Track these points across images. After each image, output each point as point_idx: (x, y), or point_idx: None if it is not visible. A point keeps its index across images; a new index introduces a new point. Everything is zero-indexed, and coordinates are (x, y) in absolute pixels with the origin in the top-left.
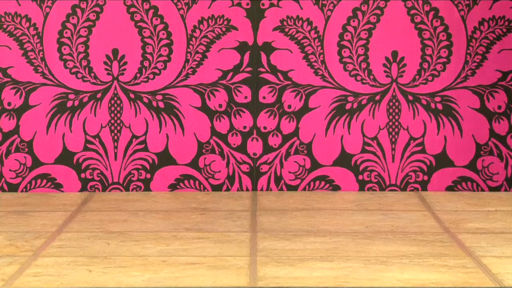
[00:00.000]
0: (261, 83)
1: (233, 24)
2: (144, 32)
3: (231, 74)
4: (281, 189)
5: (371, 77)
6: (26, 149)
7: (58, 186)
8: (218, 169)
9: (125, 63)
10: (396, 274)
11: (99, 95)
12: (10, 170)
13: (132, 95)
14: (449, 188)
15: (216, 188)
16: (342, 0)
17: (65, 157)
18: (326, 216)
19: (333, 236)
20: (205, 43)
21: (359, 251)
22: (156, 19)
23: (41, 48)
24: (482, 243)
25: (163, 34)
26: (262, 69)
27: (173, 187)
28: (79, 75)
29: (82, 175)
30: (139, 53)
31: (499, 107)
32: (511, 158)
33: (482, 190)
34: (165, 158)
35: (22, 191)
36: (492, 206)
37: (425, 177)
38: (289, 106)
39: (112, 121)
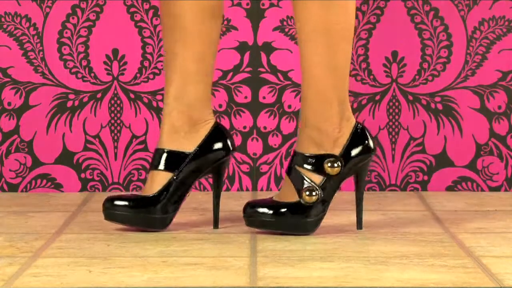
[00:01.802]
0: (261, 83)
1: (233, 24)
2: (144, 32)
3: (231, 74)
4: None
5: (371, 77)
6: (26, 149)
7: (58, 186)
8: None
9: (125, 63)
10: (396, 274)
11: (99, 95)
12: (10, 170)
13: (132, 95)
14: (449, 188)
15: None
16: None
17: (65, 157)
18: (326, 216)
19: (333, 237)
20: None
21: (359, 251)
22: (156, 19)
23: (41, 48)
24: (482, 243)
25: None
26: (262, 69)
27: None
28: (79, 75)
29: (82, 175)
30: (139, 53)
31: (499, 107)
32: (511, 158)
33: (482, 190)
34: None
35: (22, 191)
36: (492, 206)
37: (425, 177)
38: (289, 106)
39: (112, 121)
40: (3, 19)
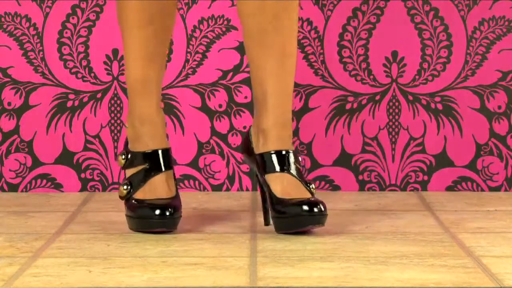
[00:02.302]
0: None
1: (233, 24)
2: None
3: (231, 74)
4: None
5: (371, 77)
6: (26, 149)
7: (58, 186)
8: (218, 169)
9: None
10: (396, 274)
11: (99, 95)
12: (10, 170)
13: None
14: (449, 188)
15: (216, 188)
16: (342, 0)
17: (65, 157)
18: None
19: (333, 237)
20: (205, 43)
21: (359, 251)
22: None
23: (41, 48)
24: (482, 243)
25: None
26: None
27: None
28: (79, 75)
29: (82, 175)
30: None
31: (499, 107)
32: (511, 158)
33: (482, 190)
34: None
35: (22, 191)
36: (492, 206)
37: (425, 177)
38: None
39: (112, 121)
40: (3, 19)
